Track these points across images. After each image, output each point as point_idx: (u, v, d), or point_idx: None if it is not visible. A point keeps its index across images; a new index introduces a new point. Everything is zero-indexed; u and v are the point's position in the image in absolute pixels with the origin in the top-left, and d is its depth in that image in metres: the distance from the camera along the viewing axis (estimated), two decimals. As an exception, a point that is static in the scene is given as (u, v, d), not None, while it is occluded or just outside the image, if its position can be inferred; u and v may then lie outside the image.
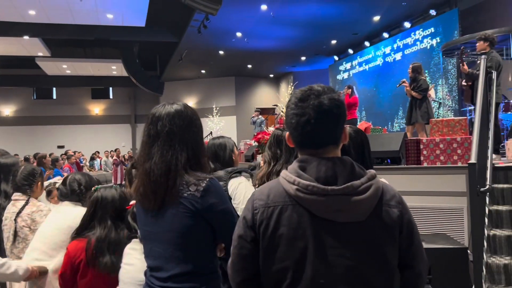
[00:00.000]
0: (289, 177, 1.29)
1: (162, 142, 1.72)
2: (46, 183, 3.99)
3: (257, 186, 2.78)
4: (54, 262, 2.52)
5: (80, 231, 2.37)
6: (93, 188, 2.41)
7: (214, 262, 1.77)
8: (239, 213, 2.67)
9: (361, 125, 9.92)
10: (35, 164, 10.79)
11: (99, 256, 2.27)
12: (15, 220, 2.82)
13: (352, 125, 8.99)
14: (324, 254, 1.23)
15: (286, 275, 1.26)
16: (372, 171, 1.30)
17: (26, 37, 13.91)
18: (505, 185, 4.40)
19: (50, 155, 13.01)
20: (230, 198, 2.79)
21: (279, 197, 1.29)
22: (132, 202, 2.22)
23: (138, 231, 2.06)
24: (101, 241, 2.29)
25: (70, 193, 2.68)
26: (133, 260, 2.05)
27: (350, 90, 10.49)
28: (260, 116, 13.86)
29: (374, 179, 1.28)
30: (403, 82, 7.63)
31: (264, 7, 11.56)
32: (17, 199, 2.92)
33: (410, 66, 7.66)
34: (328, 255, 1.22)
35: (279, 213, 1.27)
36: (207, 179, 1.71)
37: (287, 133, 1.36)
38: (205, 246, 1.73)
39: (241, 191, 2.76)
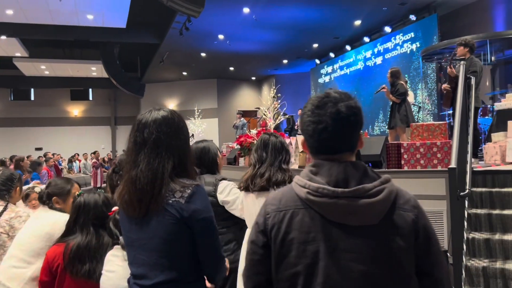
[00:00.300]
0: (300, 181, 1.28)
1: (149, 149, 1.70)
2: (24, 188, 3.90)
3: (241, 188, 2.85)
4: (32, 270, 2.46)
5: (63, 237, 2.32)
6: (76, 193, 2.37)
7: (198, 270, 1.75)
8: (237, 214, 2.73)
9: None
10: (12, 167, 10.56)
11: (78, 262, 2.22)
12: None
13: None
14: (336, 258, 1.20)
15: (297, 281, 1.23)
16: (387, 175, 1.28)
17: (3, 37, 13.62)
18: (483, 189, 4.48)
19: (27, 157, 12.77)
20: (221, 205, 2.88)
21: (291, 201, 1.28)
22: (114, 208, 2.18)
23: (120, 238, 2.03)
24: (81, 247, 2.25)
25: (38, 198, 2.64)
26: (115, 267, 2.02)
27: None
28: (242, 119, 13.85)
29: (388, 183, 1.25)
30: (383, 88, 7.74)
31: (246, 10, 11.57)
32: None
33: (389, 71, 7.76)
34: (341, 259, 1.20)
35: (291, 217, 1.26)
36: (193, 186, 1.70)
37: (302, 138, 1.35)
38: (189, 253, 1.71)
39: (233, 196, 2.89)
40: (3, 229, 2.76)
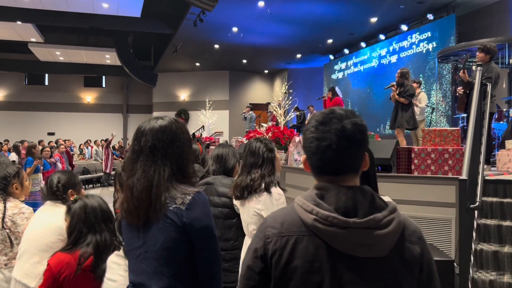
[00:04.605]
0: (306, 205, 1.20)
1: (144, 157, 1.73)
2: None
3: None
4: (45, 264, 2.46)
5: (69, 245, 2.26)
6: (71, 198, 2.32)
7: (197, 278, 1.73)
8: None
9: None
10: (24, 152, 10.64)
11: (102, 262, 2.15)
12: (2, 224, 2.75)
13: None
14: None
15: None
16: (393, 203, 1.23)
17: (18, 22, 13.68)
18: (494, 199, 4.39)
19: (39, 142, 12.86)
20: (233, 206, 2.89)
21: (294, 226, 1.21)
22: None
23: (123, 244, 2.00)
24: (101, 245, 2.21)
25: (51, 192, 2.62)
26: (116, 276, 2.00)
27: (331, 93, 10.50)
28: (251, 112, 13.78)
29: (396, 212, 1.20)
30: (393, 86, 7.63)
31: (261, 3, 11.47)
32: None
33: (399, 71, 7.64)
34: None
35: (294, 244, 1.19)
36: (194, 193, 1.70)
37: (304, 156, 1.29)
38: (190, 261, 1.70)
39: None
40: (5, 225, 2.76)
